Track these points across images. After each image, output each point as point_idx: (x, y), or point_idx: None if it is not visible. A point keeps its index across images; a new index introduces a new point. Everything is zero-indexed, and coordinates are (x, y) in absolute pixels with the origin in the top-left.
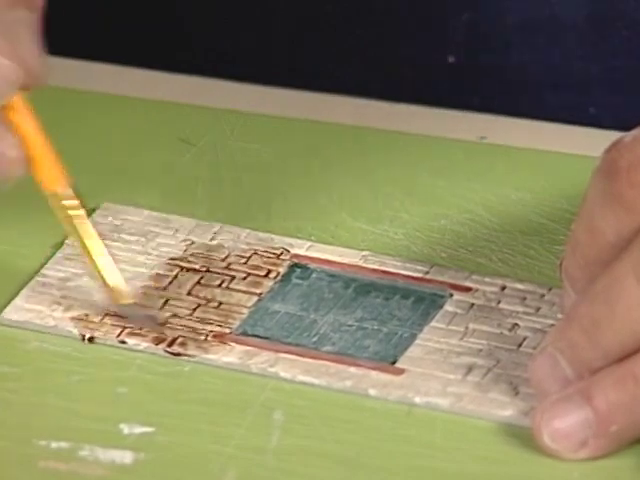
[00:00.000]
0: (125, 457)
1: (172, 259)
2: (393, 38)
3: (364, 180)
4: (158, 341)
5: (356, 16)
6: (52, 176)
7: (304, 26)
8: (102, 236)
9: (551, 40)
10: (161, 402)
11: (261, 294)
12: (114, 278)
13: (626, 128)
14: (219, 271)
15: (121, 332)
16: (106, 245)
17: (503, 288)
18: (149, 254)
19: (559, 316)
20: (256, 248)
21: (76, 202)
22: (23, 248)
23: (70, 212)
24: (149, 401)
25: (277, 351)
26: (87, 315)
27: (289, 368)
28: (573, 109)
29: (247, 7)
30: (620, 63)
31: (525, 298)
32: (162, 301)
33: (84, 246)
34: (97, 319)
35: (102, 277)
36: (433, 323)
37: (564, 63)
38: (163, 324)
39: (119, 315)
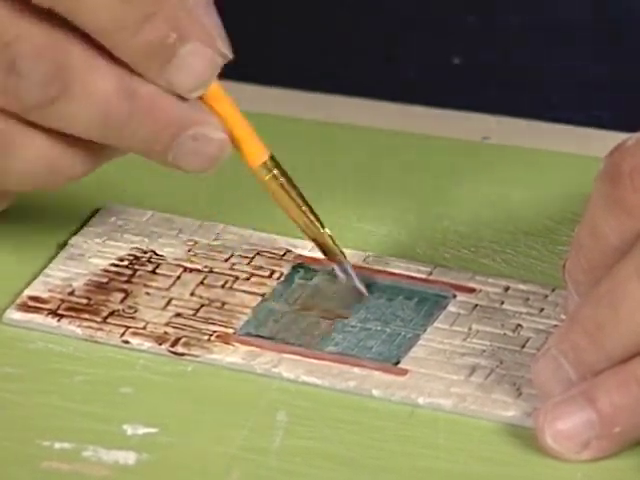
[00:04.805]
0: (128, 458)
1: (175, 259)
2: (397, 39)
3: (367, 181)
4: (161, 341)
5: (359, 16)
6: (255, 152)
7: (308, 26)
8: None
9: (555, 41)
10: (164, 402)
11: (264, 294)
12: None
13: (630, 129)
14: (222, 271)
15: (124, 332)
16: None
17: (506, 289)
18: (152, 254)
19: (562, 317)
20: (259, 249)
21: (279, 171)
22: (27, 247)
23: (279, 180)
24: (152, 401)
25: (280, 351)
26: (90, 315)
27: (292, 368)
28: (576, 110)
29: (250, 7)
30: (624, 64)
31: (528, 299)
32: (165, 301)
33: (296, 213)
34: (100, 319)
35: (323, 241)
36: (436, 324)
37: (568, 64)
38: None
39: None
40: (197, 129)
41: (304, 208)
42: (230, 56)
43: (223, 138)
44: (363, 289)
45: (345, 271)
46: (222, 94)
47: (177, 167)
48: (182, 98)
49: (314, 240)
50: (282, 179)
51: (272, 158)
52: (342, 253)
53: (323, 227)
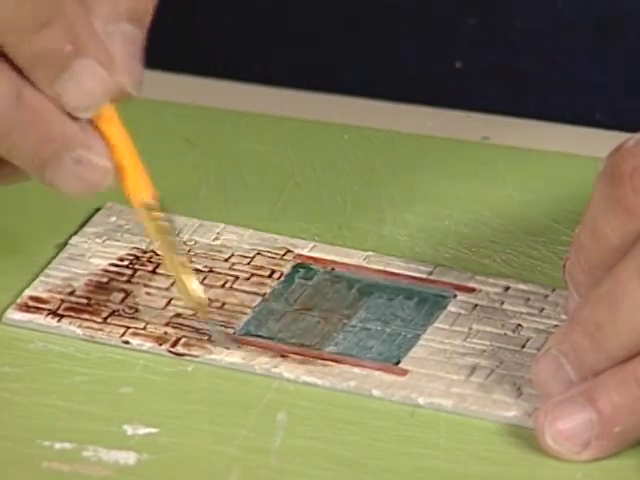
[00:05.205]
0: (129, 458)
1: None
2: (399, 40)
3: (368, 180)
4: (161, 341)
5: (360, 18)
6: (140, 187)
7: (309, 26)
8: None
9: (556, 44)
10: (165, 403)
11: (265, 294)
12: (197, 291)
13: (630, 130)
14: (222, 271)
15: (124, 332)
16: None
17: (507, 289)
18: (152, 254)
19: (563, 317)
20: (260, 248)
21: (161, 214)
22: (27, 247)
23: (156, 223)
24: (153, 402)
25: (280, 351)
26: (91, 315)
27: (293, 369)
28: (578, 113)
29: (250, 7)
30: (625, 66)
31: (529, 299)
32: (165, 301)
33: (169, 258)
34: (100, 319)
35: (186, 290)
36: (437, 324)
37: (569, 67)
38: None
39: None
40: (81, 151)
41: (175, 261)
42: (132, 92)
43: (107, 166)
44: (233, 345)
45: (214, 331)
46: (115, 120)
47: (54, 188)
48: (73, 117)
49: (183, 295)
50: (160, 222)
51: (157, 200)
52: (208, 313)
53: (195, 288)
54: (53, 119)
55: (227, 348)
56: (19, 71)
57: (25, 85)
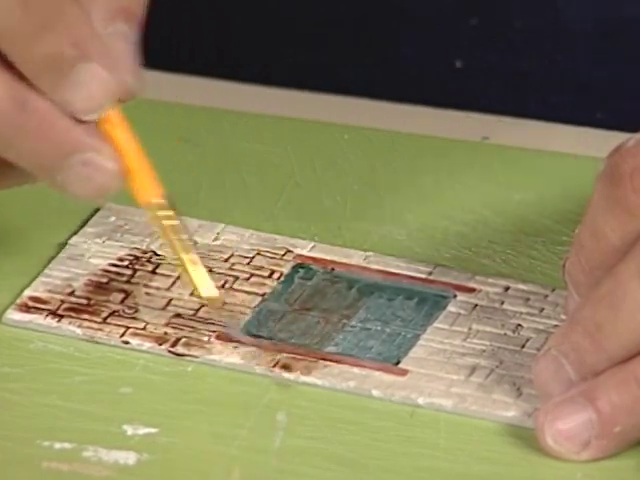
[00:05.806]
0: (128, 458)
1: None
2: (399, 40)
3: (368, 180)
4: (161, 341)
5: (360, 17)
6: (147, 187)
7: (309, 27)
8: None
9: (556, 44)
10: (164, 403)
11: (264, 294)
12: (207, 289)
13: (632, 131)
14: (222, 271)
15: (124, 332)
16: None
17: (506, 289)
18: (152, 254)
19: (562, 317)
20: (259, 248)
21: (170, 212)
22: (27, 247)
23: (165, 222)
24: (152, 402)
25: (280, 352)
26: (90, 315)
27: (292, 369)
28: (578, 113)
29: (250, 7)
30: (625, 66)
31: (528, 299)
32: (165, 301)
33: (178, 256)
34: (100, 319)
35: (195, 287)
36: (436, 324)
37: (569, 67)
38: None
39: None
40: (88, 155)
41: (184, 258)
42: (137, 91)
43: (115, 168)
44: (242, 339)
45: (225, 326)
46: (120, 122)
47: (65, 191)
48: (78, 121)
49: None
50: (169, 222)
51: (164, 198)
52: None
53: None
54: (59, 124)
55: (238, 341)
56: (23, 77)
57: (30, 91)
